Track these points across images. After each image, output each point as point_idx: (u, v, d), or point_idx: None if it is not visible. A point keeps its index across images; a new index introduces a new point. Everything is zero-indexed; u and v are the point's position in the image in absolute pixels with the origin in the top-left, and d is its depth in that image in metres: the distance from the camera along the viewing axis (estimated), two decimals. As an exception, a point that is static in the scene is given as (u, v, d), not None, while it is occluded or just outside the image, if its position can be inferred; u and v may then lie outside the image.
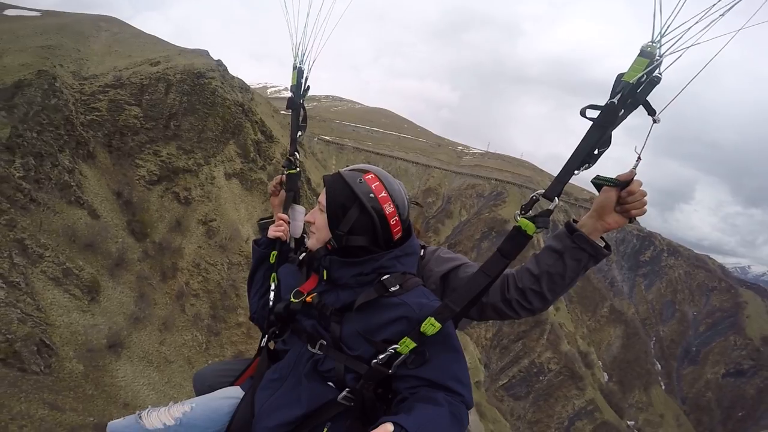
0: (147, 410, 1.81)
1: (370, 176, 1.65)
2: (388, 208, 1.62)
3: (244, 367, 2.01)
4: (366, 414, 1.59)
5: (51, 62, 18.28)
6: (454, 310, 1.49)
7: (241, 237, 20.72)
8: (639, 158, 1.38)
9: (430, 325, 1.47)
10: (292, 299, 1.74)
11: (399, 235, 1.68)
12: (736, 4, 1.14)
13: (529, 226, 1.45)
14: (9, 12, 29.94)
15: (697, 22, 1.16)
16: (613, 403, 55.08)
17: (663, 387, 73.27)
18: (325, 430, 1.61)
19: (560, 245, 1.61)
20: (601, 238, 1.59)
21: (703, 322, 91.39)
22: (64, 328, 13.36)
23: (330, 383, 1.63)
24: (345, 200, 1.61)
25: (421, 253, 1.95)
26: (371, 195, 1.60)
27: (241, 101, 24.51)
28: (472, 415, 34.84)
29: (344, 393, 1.58)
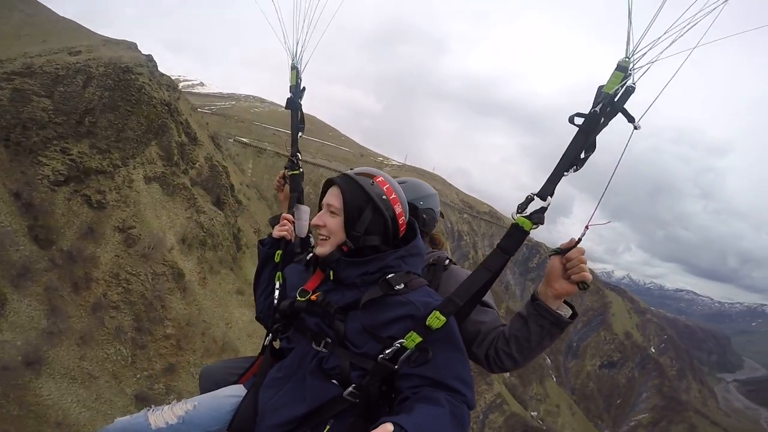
0: (152, 408, 1.80)
1: (380, 179, 1.72)
2: (398, 209, 1.70)
3: (249, 365, 2.00)
4: (369, 411, 1.59)
5: None
6: (458, 304, 1.53)
7: (164, 246, 18.85)
8: (586, 227, 1.51)
9: (436, 319, 1.50)
10: (298, 297, 1.75)
11: (404, 233, 1.75)
12: (690, 28, 1.30)
13: (525, 223, 1.53)
14: None
15: (660, 42, 1.33)
16: (516, 396, 59.61)
17: (554, 379, 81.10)
18: (328, 427, 1.60)
19: (525, 312, 1.70)
20: (569, 305, 1.67)
21: (580, 319, 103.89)
22: None
23: (334, 381, 1.63)
24: (361, 202, 1.65)
25: (446, 263, 2.03)
26: (383, 197, 1.67)
27: (168, 100, 22.55)
28: None
29: (350, 389, 1.58)
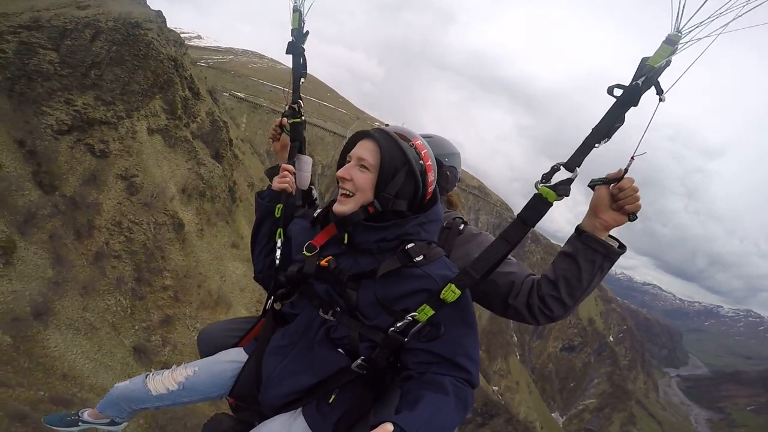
0: (152, 374, 1.80)
1: (419, 142, 1.59)
2: (431, 177, 1.59)
3: (249, 327, 1.91)
4: (375, 381, 1.56)
5: None
6: (475, 278, 1.45)
7: (166, 195, 19.24)
8: (632, 158, 1.43)
9: (451, 292, 1.43)
10: (305, 252, 1.63)
11: (429, 202, 1.64)
12: (760, 4, 1.21)
13: (550, 194, 1.43)
14: None
15: (718, 17, 1.24)
16: (482, 369, 62.64)
17: (518, 357, 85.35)
18: (333, 396, 1.57)
19: (572, 248, 1.60)
20: (614, 238, 1.60)
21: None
22: None
23: (340, 350, 1.56)
24: (397, 163, 1.52)
25: (461, 228, 1.90)
26: (420, 162, 1.56)
27: (174, 56, 22.33)
28: None
29: (359, 361, 1.52)
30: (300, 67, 2.11)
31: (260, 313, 1.90)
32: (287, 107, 2.13)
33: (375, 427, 1.25)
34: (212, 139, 24.51)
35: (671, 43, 1.33)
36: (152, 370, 1.85)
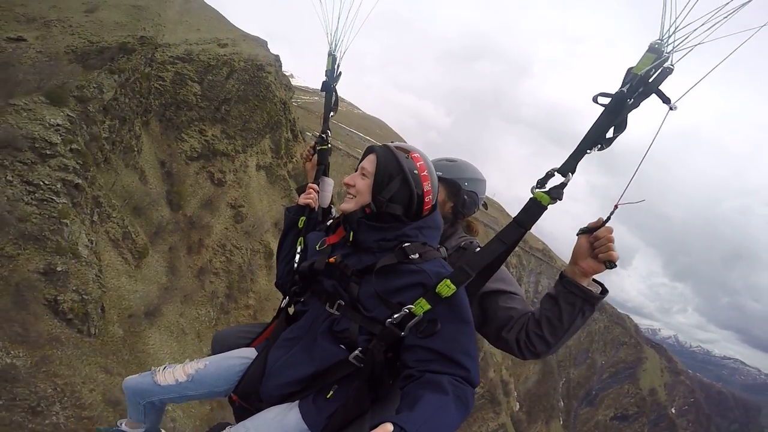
0: (163, 367, 1.90)
1: (415, 155, 1.73)
2: (426, 187, 1.70)
3: (262, 329, 2.04)
4: (373, 379, 1.60)
5: (142, 25, 18.87)
6: (470, 274, 1.54)
7: (263, 227, 22.13)
8: (616, 206, 1.49)
9: (446, 287, 1.50)
10: (317, 247, 1.85)
11: (427, 212, 1.74)
12: (740, 9, 1.24)
13: (544, 198, 1.53)
14: None
15: (702, 24, 1.26)
16: (519, 430, 60.24)
17: (561, 422, 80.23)
18: (332, 392, 1.64)
19: (555, 291, 1.71)
20: (598, 283, 1.69)
21: (608, 370, 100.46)
22: (113, 291, 14.38)
23: (342, 345, 1.64)
24: (392, 170, 1.68)
25: (471, 243, 2.02)
26: (415, 171, 1.69)
27: (284, 99, 25.65)
28: None
29: (356, 352, 1.60)
30: (330, 103, 2.42)
31: (273, 317, 2.03)
32: (318, 136, 2.43)
33: (375, 427, 1.27)
34: (303, 179, 27.62)
35: (654, 51, 1.37)
36: (165, 363, 1.92)
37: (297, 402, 1.66)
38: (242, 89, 23.32)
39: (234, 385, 1.83)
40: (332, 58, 2.37)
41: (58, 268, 11.50)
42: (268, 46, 27.35)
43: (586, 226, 1.63)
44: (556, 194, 1.53)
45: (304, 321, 1.76)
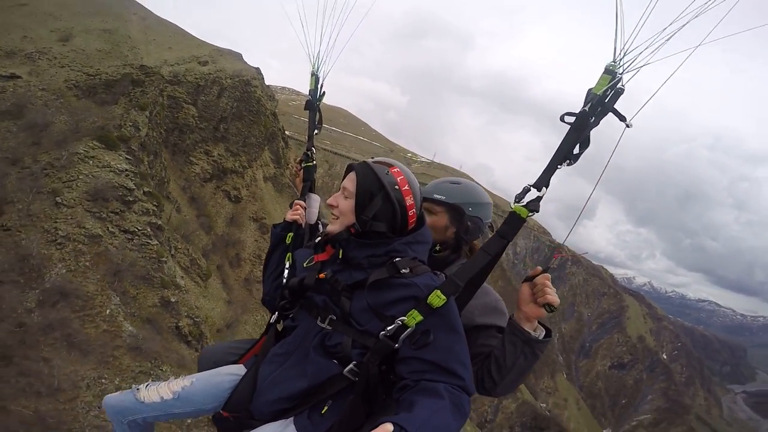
0: (146, 384, 1.92)
1: (395, 170, 1.80)
2: (409, 201, 1.77)
3: (250, 346, 2.10)
4: (368, 393, 1.65)
5: (122, 51, 20.72)
6: (459, 285, 1.63)
7: (285, 233, 24.79)
8: (555, 257, 1.83)
9: (437, 297, 1.57)
10: (305, 264, 1.90)
11: (413, 225, 1.81)
12: (677, 32, 1.42)
13: (522, 211, 1.68)
14: None
15: (646, 48, 1.46)
16: (528, 387, 66.03)
17: (565, 376, 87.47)
18: (326, 407, 1.67)
19: (504, 332, 1.86)
20: (543, 327, 1.83)
21: (595, 321, 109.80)
22: (201, 311, 16.72)
23: (335, 360, 1.69)
24: (373, 188, 1.75)
25: (464, 262, 2.10)
26: (396, 187, 1.75)
27: (274, 110, 27.96)
28: None
29: (350, 366, 1.64)
30: (315, 122, 2.53)
31: (262, 333, 2.09)
32: (303, 153, 2.56)
33: (375, 427, 1.31)
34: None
35: (610, 73, 1.57)
36: (148, 381, 1.97)
37: (292, 419, 1.70)
38: (235, 106, 25.40)
39: (222, 402, 1.86)
40: (315, 78, 2.49)
41: (172, 299, 13.81)
42: (243, 57, 29.14)
43: (528, 275, 1.82)
44: (533, 207, 1.68)
45: (294, 336, 1.81)
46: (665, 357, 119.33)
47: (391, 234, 1.76)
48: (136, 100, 18.37)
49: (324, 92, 2.53)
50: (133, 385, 1.93)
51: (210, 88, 24.71)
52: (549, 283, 1.76)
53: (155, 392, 1.85)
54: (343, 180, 1.85)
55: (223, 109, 24.90)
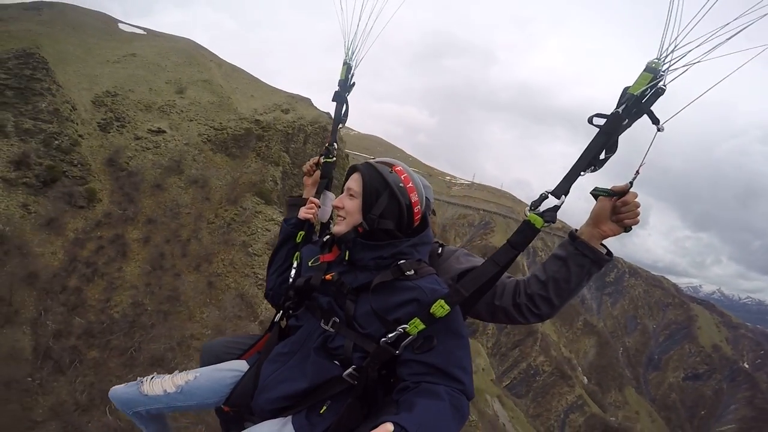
0: (151, 377, 2.07)
1: (398, 168, 1.94)
2: (414, 198, 1.89)
3: (253, 342, 2.27)
4: (366, 395, 1.77)
5: (227, 103, 27.13)
6: (464, 295, 1.71)
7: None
8: (637, 172, 1.63)
9: (440, 307, 1.67)
10: (310, 264, 2.05)
11: (418, 223, 1.95)
12: (739, 32, 1.34)
13: (537, 221, 1.70)
14: (123, 27, 37.12)
15: (698, 45, 1.38)
16: (596, 401, 68.57)
17: (634, 390, 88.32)
18: (325, 407, 1.80)
19: (564, 252, 1.86)
20: (603, 245, 1.83)
21: (662, 333, 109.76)
22: None
23: (336, 362, 1.81)
24: (379, 187, 1.87)
25: (439, 251, 2.24)
26: (401, 184, 1.87)
27: (344, 151, 33.59)
28: (496, 404, 45.27)
29: (350, 370, 1.76)
30: (341, 114, 2.61)
31: (266, 330, 2.26)
32: (325, 148, 2.61)
33: (375, 427, 1.42)
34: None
35: (651, 71, 1.51)
36: (153, 374, 2.11)
37: (290, 417, 1.83)
38: (317, 151, 31.76)
39: (224, 397, 2.01)
40: (347, 66, 2.56)
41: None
42: (313, 102, 34.20)
43: (608, 189, 1.74)
44: (549, 217, 1.70)
45: (297, 336, 1.96)
46: (747, 366, 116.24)
47: (398, 232, 1.88)
48: (263, 154, 25.24)
49: (354, 83, 2.59)
50: (138, 378, 2.09)
51: (297, 135, 29.85)
52: (639, 202, 1.73)
53: (159, 385, 2.01)
54: (345, 182, 1.97)
55: (310, 155, 30.02)
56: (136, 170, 22.97)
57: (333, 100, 2.62)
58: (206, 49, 37.89)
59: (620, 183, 1.70)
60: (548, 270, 1.90)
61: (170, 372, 2.12)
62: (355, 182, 1.93)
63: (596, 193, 1.78)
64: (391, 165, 1.95)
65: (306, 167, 2.66)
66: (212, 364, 2.18)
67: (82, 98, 24.19)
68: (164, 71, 29.85)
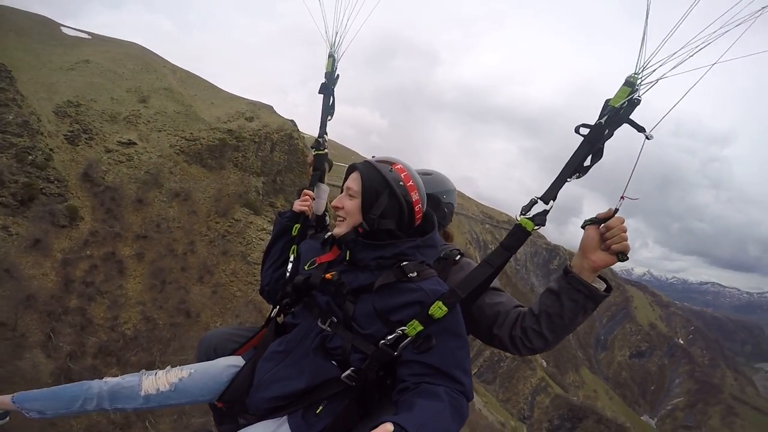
0: (146, 374, 2.04)
1: (398, 167, 1.94)
2: (414, 196, 1.91)
3: (250, 335, 2.27)
4: (363, 396, 1.81)
5: (193, 110, 27.67)
6: (460, 296, 1.76)
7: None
8: (622, 198, 1.71)
9: (438, 308, 1.70)
10: (306, 267, 2.04)
11: (419, 222, 1.97)
12: (703, 47, 1.50)
13: (528, 224, 1.79)
14: (66, 31, 35.51)
15: (670, 59, 1.55)
16: (557, 382, 73.58)
17: (588, 370, 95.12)
18: (321, 408, 1.82)
19: (557, 286, 1.87)
20: (603, 280, 1.86)
21: (605, 314, 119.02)
22: None
23: (333, 362, 1.84)
24: (378, 186, 1.88)
25: (457, 258, 2.22)
26: (401, 183, 1.89)
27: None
28: None
29: (348, 372, 1.78)
30: (329, 106, 2.64)
31: (262, 325, 2.26)
32: (315, 140, 2.65)
33: (375, 427, 1.44)
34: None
35: (630, 85, 1.67)
36: (142, 370, 2.06)
37: (286, 417, 1.85)
38: (285, 159, 31.57)
39: (218, 394, 2.03)
40: (332, 59, 2.61)
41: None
42: (275, 109, 34.49)
43: (594, 217, 1.80)
44: (539, 220, 1.78)
45: (294, 334, 1.97)
46: (682, 342, 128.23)
47: (399, 231, 1.90)
48: (241, 165, 25.60)
49: (338, 75, 2.64)
50: (142, 371, 2.06)
51: (264, 143, 30.20)
52: (626, 227, 1.74)
53: (153, 382, 1.98)
54: (344, 181, 1.97)
55: (277, 163, 30.83)
56: (114, 185, 22.56)
57: (320, 92, 2.67)
58: (156, 54, 37.25)
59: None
60: (542, 304, 1.92)
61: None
62: (354, 182, 1.93)
63: (584, 225, 1.84)
64: (391, 163, 1.96)
65: (309, 159, 2.70)
66: (209, 355, 2.23)
67: (44, 109, 23.34)
68: (122, 79, 29.39)
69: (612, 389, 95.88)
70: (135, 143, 25.38)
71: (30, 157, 20.38)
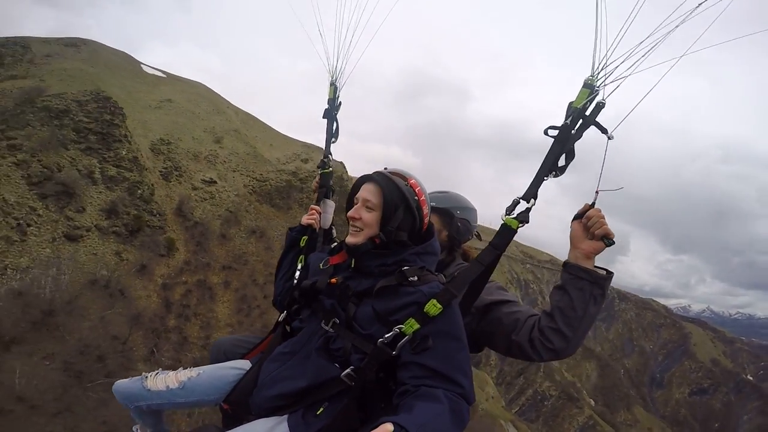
0: (155, 372, 2.19)
1: (413, 181, 2.04)
2: (425, 210, 2.04)
3: (259, 341, 2.40)
4: (364, 397, 1.85)
5: (257, 151, 30.81)
6: (454, 294, 1.84)
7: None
8: (597, 192, 1.93)
9: (433, 306, 1.79)
10: (321, 266, 2.16)
11: (425, 232, 2.07)
12: (656, 46, 1.57)
13: (513, 222, 1.98)
14: (146, 69, 39.14)
15: (623, 61, 1.63)
16: (607, 421, 71.65)
17: (642, 408, 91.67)
18: (322, 409, 1.88)
19: (562, 281, 2.02)
20: (602, 268, 2.01)
21: (660, 352, 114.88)
22: None
23: (336, 364, 1.91)
24: (397, 200, 1.96)
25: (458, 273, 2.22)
26: (415, 198, 2.00)
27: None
28: (511, 428, 47.54)
29: (347, 371, 1.85)
30: (332, 130, 2.96)
31: (270, 331, 2.37)
32: (321, 161, 2.97)
33: (375, 427, 1.48)
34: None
35: (588, 86, 1.80)
36: (158, 369, 2.22)
37: (286, 416, 1.91)
38: (339, 201, 35.49)
39: (224, 394, 2.12)
40: (333, 87, 2.88)
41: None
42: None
43: (577, 212, 2.04)
44: (523, 218, 1.96)
45: (299, 337, 2.07)
46: (751, 378, 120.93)
47: (409, 241, 1.99)
48: (305, 205, 27.61)
49: (341, 102, 2.91)
50: (143, 373, 2.19)
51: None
52: (602, 214, 1.95)
53: (162, 381, 2.11)
54: (358, 192, 2.04)
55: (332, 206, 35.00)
56: (202, 221, 26.28)
57: (323, 117, 2.95)
58: (219, 94, 40.53)
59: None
60: (552, 301, 2.06)
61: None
62: (373, 194, 1.98)
63: (572, 220, 2.09)
64: (406, 178, 2.04)
65: (314, 184, 2.99)
66: (219, 359, 2.37)
67: (142, 146, 26.86)
68: (199, 119, 32.86)
69: (670, 427, 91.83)
70: (215, 182, 28.76)
71: (139, 191, 24.23)
